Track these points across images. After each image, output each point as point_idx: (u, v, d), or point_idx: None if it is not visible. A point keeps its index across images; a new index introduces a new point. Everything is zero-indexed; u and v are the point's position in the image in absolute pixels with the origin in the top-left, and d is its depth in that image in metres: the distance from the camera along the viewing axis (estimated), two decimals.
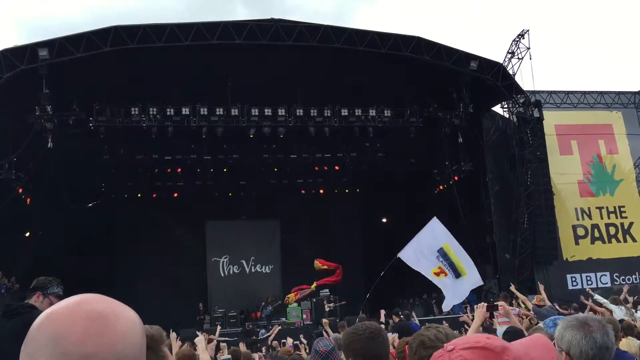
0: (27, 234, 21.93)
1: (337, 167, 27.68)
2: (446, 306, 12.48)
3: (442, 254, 12.25)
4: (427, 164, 26.34)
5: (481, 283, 12.45)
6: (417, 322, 12.08)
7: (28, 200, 21.50)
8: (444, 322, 12.92)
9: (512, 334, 4.59)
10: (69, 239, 23.24)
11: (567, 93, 25.28)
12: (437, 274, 12.16)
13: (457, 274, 12.06)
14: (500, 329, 5.03)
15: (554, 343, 2.52)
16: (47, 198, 22.36)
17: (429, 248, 12.41)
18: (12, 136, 19.30)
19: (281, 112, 21.28)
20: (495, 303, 4.80)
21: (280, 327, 16.66)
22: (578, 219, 23.87)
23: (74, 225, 23.64)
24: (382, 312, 12.41)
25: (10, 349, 1.54)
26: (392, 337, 9.01)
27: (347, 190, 30.23)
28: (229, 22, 19.15)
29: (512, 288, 10.97)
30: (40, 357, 0.93)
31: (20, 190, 20.59)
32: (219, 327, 12.91)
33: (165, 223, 27.31)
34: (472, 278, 12.09)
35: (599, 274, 23.17)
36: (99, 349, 0.93)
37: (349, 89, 21.45)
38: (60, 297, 4.64)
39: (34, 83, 18.21)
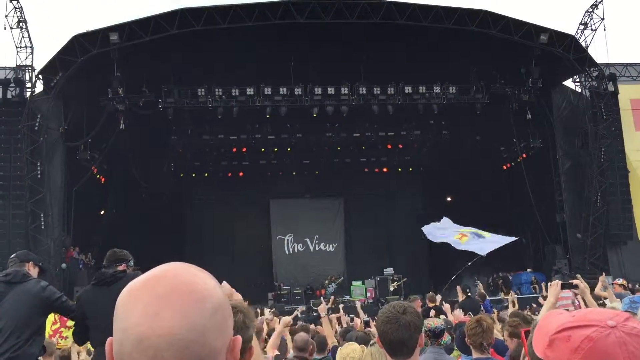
0: (102, 212, 22.90)
1: (400, 146, 27.42)
2: (481, 249, 12.81)
3: (458, 226, 13.89)
4: (493, 142, 25.71)
5: (512, 239, 13.39)
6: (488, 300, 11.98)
7: (102, 179, 22.43)
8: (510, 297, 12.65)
9: None
10: (139, 217, 24.12)
11: None
12: (460, 238, 13.07)
13: (480, 236, 13.12)
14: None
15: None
16: (120, 177, 23.25)
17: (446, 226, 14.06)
18: (87, 118, 20.11)
19: (344, 90, 21.22)
20: (570, 281, 4.63)
21: (333, 297, 16.74)
22: None
23: (144, 203, 24.51)
24: (459, 287, 12.16)
25: None
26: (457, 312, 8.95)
27: (410, 169, 29.91)
28: (291, 2, 19.18)
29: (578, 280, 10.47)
30: (114, 330, 0.96)
31: (95, 170, 21.48)
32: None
33: (231, 201, 27.90)
34: (498, 238, 13.39)
35: None
36: (152, 332, 0.91)
37: (412, 65, 21.13)
38: (134, 269, 4.87)
39: (106, 66, 18.86)
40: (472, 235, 13.14)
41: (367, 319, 9.17)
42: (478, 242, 12.91)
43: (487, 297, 12.52)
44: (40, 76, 19.40)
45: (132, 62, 19.13)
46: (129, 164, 23.15)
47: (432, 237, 14.02)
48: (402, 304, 2.71)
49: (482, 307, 10.57)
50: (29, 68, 20.19)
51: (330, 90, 21.20)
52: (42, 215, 18.67)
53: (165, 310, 0.92)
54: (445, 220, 14.32)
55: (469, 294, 11.25)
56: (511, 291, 15.77)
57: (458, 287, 11.40)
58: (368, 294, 22.24)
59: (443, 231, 13.91)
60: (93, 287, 4.70)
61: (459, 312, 8.98)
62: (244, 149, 26.41)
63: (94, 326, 4.53)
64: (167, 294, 0.93)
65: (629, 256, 21.40)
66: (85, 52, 18.55)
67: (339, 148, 26.98)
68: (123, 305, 0.95)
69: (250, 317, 2.18)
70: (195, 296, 0.95)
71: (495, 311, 10.61)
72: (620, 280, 9.85)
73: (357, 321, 9.96)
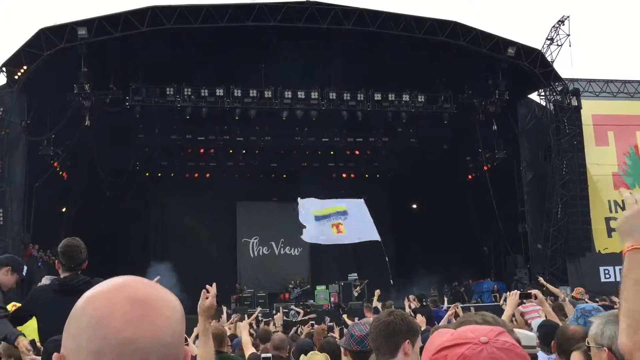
0: (64, 209, 22.44)
1: (368, 152, 27.59)
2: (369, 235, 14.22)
3: (322, 217, 14.50)
4: (459, 151, 26.09)
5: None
6: (445, 308, 12.12)
7: (65, 176, 21.99)
8: (471, 309, 12.94)
9: (548, 328, 4.45)
10: (103, 215, 23.71)
11: (607, 82, 24.71)
12: (338, 232, 14.18)
13: (344, 214, 14.31)
14: (535, 322, 4.95)
15: (587, 340, 2.46)
16: (83, 175, 22.83)
17: (314, 222, 14.55)
18: (51, 113, 19.70)
19: (314, 95, 21.27)
20: (529, 291, 4.73)
21: (315, 315, 16.66)
22: (611, 212, 23.39)
23: (108, 202, 24.11)
24: (412, 297, 12.42)
25: None
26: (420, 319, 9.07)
27: (377, 175, 30.13)
28: (265, 4, 19.16)
29: (541, 280, 10.78)
30: (82, 339, 0.94)
31: (58, 166, 21.05)
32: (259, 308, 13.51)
33: (197, 203, 27.65)
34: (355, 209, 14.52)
35: None
36: (139, 335, 0.93)
37: (382, 73, 21.31)
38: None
39: (73, 61, 18.53)
40: (342, 220, 13.84)
41: (331, 324, 9.21)
42: (356, 232, 13.73)
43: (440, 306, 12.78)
44: (4, 69, 18.92)
45: (99, 58, 18.82)
46: (93, 162, 22.75)
47: (311, 238, 14.95)
48: (397, 311, 2.88)
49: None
50: None
51: (301, 94, 21.24)
52: (1, 211, 18.20)
53: (149, 315, 0.95)
54: (309, 202, 15.11)
55: (424, 303, 11.40)
56: (457, 303, 16.01)
57: (412, 296, 11.60)
58: (332, 299, 22.27)
59: (318, 226, 14.62)
60: (54, 294, 4.37)
61: (422, 318, 9.07)
62: (212, 150, 26.23)
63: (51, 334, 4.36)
64: (146, 301, 0.96)
65: (587, 268, 21.91)
66: (52, 45, 18.20)
67: (307, 152, 26.99)
68: (94, 314, 0.95)
69: None
70: (170, 304, 1.00)
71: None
72: (581, 290, 10.16)
73: (318, 327, 10.00)
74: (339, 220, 14.25)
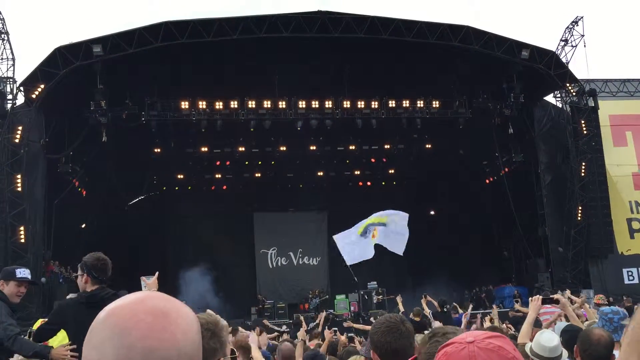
0: (83, 225, 22.64)
1: (384, 159, 27.55)
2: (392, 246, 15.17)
3: (364, 233, 15.46)
4: (476, 156, 25.91)
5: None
6: (465, 313, 12.04)
7: (84, 192, 22.20)
8: (490, 314, 12.80)
9: (572, 333, 4.37)
10: (121, 230, 23.88)
11: (624, 81, 24.43)
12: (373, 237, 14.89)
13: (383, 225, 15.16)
14: (559, 326, 4.87)
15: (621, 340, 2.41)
16: (101, 190, 23.04)
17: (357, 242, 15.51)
18: (69, 130, 19.93)
19: (328, 104, 21.29)
20: (552, 296, 4.66)
21: (325, 314, 16.46)
22: (633, 212, 23.09)
23: (127, 217, 24.29)
24: (423, 300, 12.40)
25: None
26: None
27: (394, 183, 30.02)
28: (276, 16, 19.23)
29: (568, 293, 10.58)
30: (106, 348, 0.97)
31: (77, 183, 21.26)
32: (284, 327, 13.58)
33: (214, 215, 27.73)
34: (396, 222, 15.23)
35: None
36: (162, 344, 0.97)
37: (396, 79, 21.28)
38: None
39: (89, 78, 18.74)
40: (379, 230, 14.40)
41: (352, 334, 9.16)
42: (388, 238, 14.15)
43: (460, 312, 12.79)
44: (21, 88, 19.19)
45: (115, 74, 19.03)
46: (111, 177, 22.96)
47: (353, 260, 15.15)
48: (396, 315, 2.84)
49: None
50: (10, 80, 19.97)
51: (315, 104, 21.27)
52: (22, 228, 18.40)
53: (170, 326, 1.00)
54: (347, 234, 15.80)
55: (445, 309, 11.32)
56: (466, 312, 15.91)
57: (423, 300, 11.70)
58: (352, 308, 22.15)
59: (355, 243, 15.47)
60: (83, 307, 4.33)
61: (440, 324, 8.99)
62: (228, 162, 26.35)
63: None
64: (167, 313, 1.02)
65: (609, 270, 21.60)
66: (68, 64, 18.41)
67: (322, 161, 27.01)
68: (117, 324, 0.99)
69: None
70: (189, 316, 1.06)
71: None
72: (601, 296, 10.02)
73: (342, 338, 9.96)
74: (375, 228, 15.26)
